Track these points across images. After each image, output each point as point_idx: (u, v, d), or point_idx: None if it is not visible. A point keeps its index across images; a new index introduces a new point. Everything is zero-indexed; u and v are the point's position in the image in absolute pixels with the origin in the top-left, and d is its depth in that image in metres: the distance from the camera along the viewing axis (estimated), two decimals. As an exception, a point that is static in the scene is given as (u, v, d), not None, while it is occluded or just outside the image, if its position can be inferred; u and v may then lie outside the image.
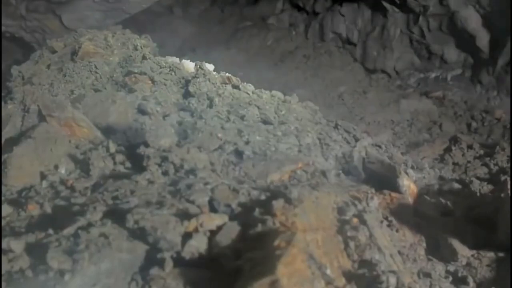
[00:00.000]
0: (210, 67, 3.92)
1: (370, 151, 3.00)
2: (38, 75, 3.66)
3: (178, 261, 1.66)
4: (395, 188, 2.38)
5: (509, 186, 2.61)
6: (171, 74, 3.76)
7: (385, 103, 6.64)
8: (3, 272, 1.56)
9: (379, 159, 2.79)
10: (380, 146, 3.37)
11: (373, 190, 2.32)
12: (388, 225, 2.14)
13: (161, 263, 1.64)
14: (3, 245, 1.64)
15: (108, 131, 2.85)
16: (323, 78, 7.39)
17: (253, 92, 3.73)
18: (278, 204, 1.86)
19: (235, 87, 3.69)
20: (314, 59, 7.92)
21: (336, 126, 3.59)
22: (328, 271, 1.70)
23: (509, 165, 3.89)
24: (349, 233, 1.91)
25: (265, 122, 3.12)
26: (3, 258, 1.59)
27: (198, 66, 3.86)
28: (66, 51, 4.07)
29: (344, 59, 7.86)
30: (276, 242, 1.67)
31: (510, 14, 5.62)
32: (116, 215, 1.82)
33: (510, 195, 2.34)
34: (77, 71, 3.68)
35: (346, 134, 3.41)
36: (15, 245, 1.66)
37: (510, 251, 2.01)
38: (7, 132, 2.84)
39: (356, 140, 3.32)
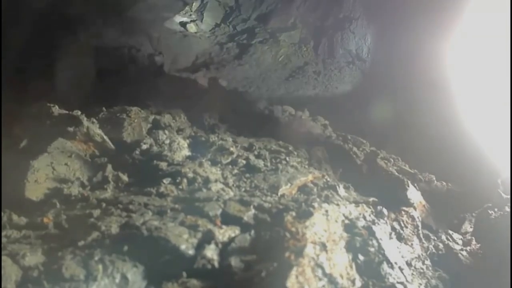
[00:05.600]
0: (223, 82, 3.99)
1: (380, 164, 3.03)
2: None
3: (191, 271, 1.69)
4: (404, 200, 2.39)
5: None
6: (185, 89, 3.83)
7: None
8: (18, 282, 1.61)
9: (388, 172, 2.81)
10: (388, 160, 3.38)
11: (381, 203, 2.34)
12: (397, 237, 2.16)
13: (174, 274, 1.68)
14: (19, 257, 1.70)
15: (122, 145, 2.90)
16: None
17: (264, 107, 3.79)
18: (288, 216, 1.90)
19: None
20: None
21: (345, 140, 3.63)
22: (338, 283, 1.73)
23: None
24: (358, 245, 1.94)
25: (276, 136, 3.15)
26: (17, 268, 1.65)
27: (211, 82, 3.93)
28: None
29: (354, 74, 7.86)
30: (286, 254, 1.70)
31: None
32: (130, 227, 1.87)
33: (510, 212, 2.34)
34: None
35: (355, 148, 3.43)
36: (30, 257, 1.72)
37: (510, 257, 2.03)
38: (24, 146, 2.89)
39: (366, 154, 3.35)
